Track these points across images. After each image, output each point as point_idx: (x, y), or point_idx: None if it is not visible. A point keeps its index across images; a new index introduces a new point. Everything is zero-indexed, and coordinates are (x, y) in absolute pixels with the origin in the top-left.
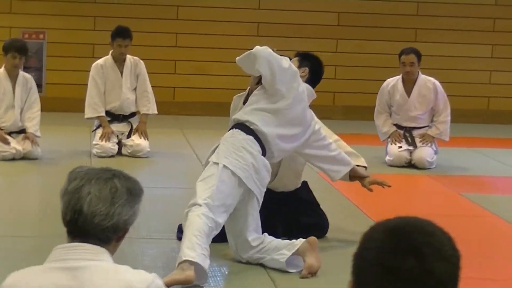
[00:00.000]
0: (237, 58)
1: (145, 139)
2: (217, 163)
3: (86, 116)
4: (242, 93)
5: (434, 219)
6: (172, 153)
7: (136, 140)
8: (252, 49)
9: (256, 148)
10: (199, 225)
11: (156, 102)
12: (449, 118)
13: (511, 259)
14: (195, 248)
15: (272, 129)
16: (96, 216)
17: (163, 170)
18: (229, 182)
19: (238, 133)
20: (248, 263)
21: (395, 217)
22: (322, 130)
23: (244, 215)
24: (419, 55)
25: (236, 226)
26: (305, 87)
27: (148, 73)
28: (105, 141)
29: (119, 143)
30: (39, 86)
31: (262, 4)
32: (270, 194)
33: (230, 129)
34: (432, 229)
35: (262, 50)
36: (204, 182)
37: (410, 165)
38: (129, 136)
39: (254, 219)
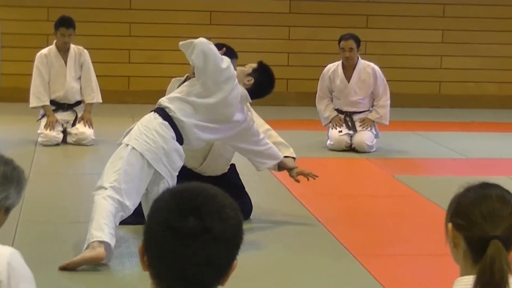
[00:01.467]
0: (180, 43)
1: (89, 128)
2: (127, 145)
3: (30, 106)
4: (180, 78)
5: (364, 199)
6: (116, 141)
7: (81, 128)
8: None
9: (169, 133)
10: (105, 207)
11: (111, 91)
12: (388, 102)
13: (429, 235)
14: (103, 229)
15: (191, 120)
16: None
17: (107, 157)
18: (137, 164)
19: (154, 117)
20: None
21: (185, 183)
22: (255, 125)
23: (155, 197)
24: (358, 41)
25: (147, 207)
26: (240, 92)
27: (102, 62)
28: (50, 130)
29: (64, 132)
30: None
31: None
32: (197, 178)
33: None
34: (214, 192)
35: (203, 43)
36: (112, 165)
37: (351, 149)
38: (73, 124)
39: None
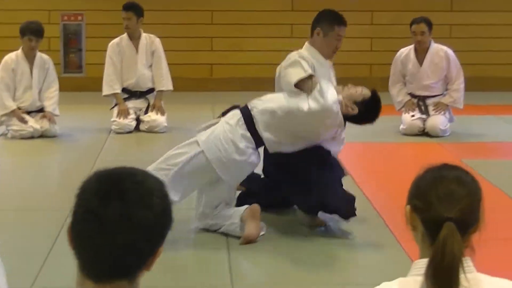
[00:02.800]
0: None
1: (161, 115)
2: (198, 144)
3: (103, 94)
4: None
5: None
6: (191, 129)
7: (153, 116)
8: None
9: (249, 145)
10: None
11: (194, 79)
12: (462, 85)
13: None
14: None
15: (273, 137)
16: None
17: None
18: (198, 168)
19: (239, 124)
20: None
21: (116, 167)
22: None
23: (211, 192)
24: (430, 24)
25: (201, 199)
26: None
27: (185, 51)
28: (122, 118)
29: (137, 119)
30: (79, 67)
31: None
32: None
33: (238, 108)
34: (143, 178)
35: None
36: (173, 156)
37: (424, 133)
38: (146, 112)
39: (218, 198)
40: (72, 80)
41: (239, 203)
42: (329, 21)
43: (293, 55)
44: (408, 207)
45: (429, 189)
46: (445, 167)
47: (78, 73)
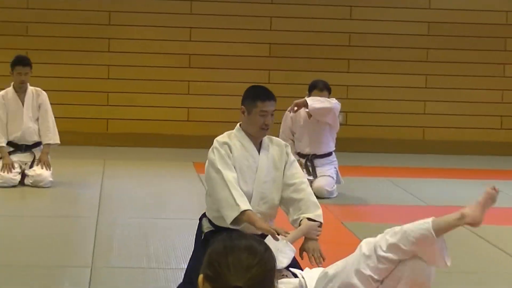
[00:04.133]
0: None
1: (47, 169)
2: None
3: None
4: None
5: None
6: (78, 183)
7: (38, 170)
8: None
9: None
10: None
11: (89, 134)
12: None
13: None
14: None
15: None
16: None
17: (63, 199)
18: None
19: None
20: None
21: None
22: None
23: None
24: (330, 91)
25: None
26: None
27: (80, 105)
28: (7, 172)
29: (22, 173)
30: None
31: (194, 36)
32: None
33: None
34: None
35: None
36: None
37: None
38: (31, 166)
39: None
40: None
41: None
42: (251, 97)
43: (211, 149)
44: (201, 276)
45: (220, 258)
46: (239, 236)
47: None
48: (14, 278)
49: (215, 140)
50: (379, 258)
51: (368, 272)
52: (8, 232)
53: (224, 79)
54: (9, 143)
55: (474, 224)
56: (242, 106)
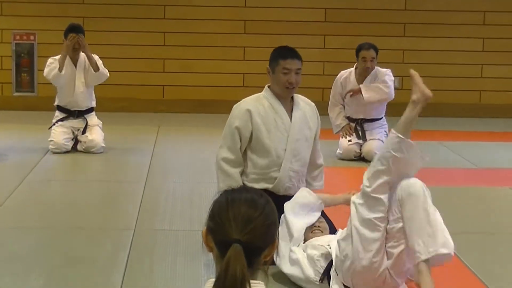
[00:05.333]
0: None
1: (100, 135)
2: None
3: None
4: None
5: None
6: (131, 149)
7: (90, 136)
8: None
9: None
10: None
11: (146, 100)
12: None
13: None
14: None
15: None
16: None
17: (114, 165)
18: None
19: None
20: None
21: None
22: None
23: None
24: (377, 51)
25: None
26: None
27: (137, 72)
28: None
29: (76, 139)
30: (31, 86)
31: (249, 2)
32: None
33: None
34: None
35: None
36: None
37: (361, 158)
38: (84, 132)
39: None
40: (24, 99)
41: None
42: (274, 57)
43: (228, 120)
44: (204, 228)
45: (221, 211)
46: (241, 189)
47: (30, 92)
48: (57, 239)
49: (235, 106)
50: (369, 195)
51: (369, 215)
52: (58, 196)
53: (280, 45)
54: (62, 109)
55: (427, 97)
56: (268, 67)
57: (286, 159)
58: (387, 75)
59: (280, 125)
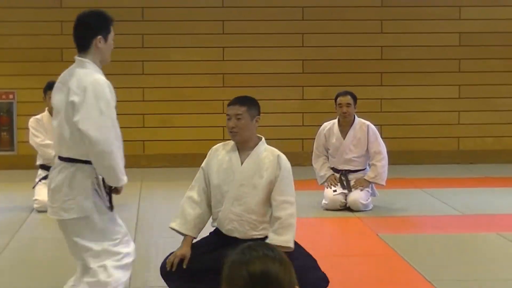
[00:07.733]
0: None
1: None
2: None
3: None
4: None
5: (338, 259)
6: (115, 205)
7: None
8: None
9: None
10: None
11: (127, 156)
12: (384, 162)
13: None
14: None
15: None
16: None
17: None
18: None
19: None
20: None
21: None
22: None
23: None
24: (355, 97)
25: None
26: None
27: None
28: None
29: None
30: (11, 145)
31: (226, 55)
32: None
33: None
34: None
35: None
36: None
37: (346, 208)
38: None
39: None
40: (4, 158)
41: None
42: None
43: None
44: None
45: (236, 270)
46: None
47: (9, 151)
48: None
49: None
50: None
51: None
52: (46, 255)
53: (258, 97)
54: (44, 167)
55: None
56: None
57: (227, 200)
58: (371, 134)
59: (229, 167)
